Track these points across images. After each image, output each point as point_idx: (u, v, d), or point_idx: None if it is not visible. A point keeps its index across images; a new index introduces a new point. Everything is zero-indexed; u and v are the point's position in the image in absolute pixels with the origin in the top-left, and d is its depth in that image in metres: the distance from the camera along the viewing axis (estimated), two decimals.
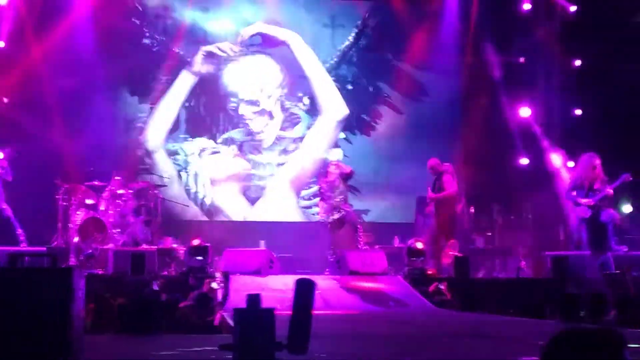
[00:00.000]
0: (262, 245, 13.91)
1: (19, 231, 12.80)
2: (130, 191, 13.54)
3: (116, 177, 13.56)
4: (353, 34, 16.95)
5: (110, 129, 15.49)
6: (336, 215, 13.38)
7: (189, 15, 16.31)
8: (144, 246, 12.65)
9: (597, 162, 12.71)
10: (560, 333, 2.92)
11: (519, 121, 16.26)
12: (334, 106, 16.71)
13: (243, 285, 11.04)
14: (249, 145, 16.43)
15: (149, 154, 15.91)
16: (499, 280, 12.82)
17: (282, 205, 16.42)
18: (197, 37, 16.33)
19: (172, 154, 16.00)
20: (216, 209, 16.16)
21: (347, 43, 16.93)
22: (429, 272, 12.48)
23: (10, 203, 12.97)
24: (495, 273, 14.29)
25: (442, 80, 16.85)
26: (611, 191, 12.57)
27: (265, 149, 16.48)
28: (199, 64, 16.23)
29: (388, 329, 9.30)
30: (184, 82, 16.15)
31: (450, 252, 13.05)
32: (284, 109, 16.64)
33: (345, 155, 16.11)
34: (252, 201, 16.37)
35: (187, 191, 15.96)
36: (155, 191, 13.98)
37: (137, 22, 16.16)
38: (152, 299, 9.14)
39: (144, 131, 15.95)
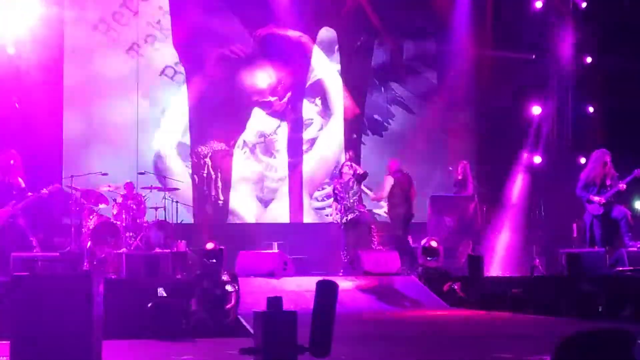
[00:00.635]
0: (276, 247, 13.88)
1: (31, 238, 12.78)
2: (143, 195, 13.56)
3: (128, 181, 13.60)
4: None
5: (123, 133, 15.49)
6: (350, 216, 13.38)
7: (199, 17, 16.27)
8: (158, 250, 12.64)
9: (608, 158, 12.65)
10: (570, 335, 2.93)
11: (531, 119, 16.20)
12: (346, 107, 16.70)
13: (257, 288, 11.07)
14: (262, 147, 16.42)
15: (161, 157, 15.89)
16: (513, 278, 12.77)
17: (295, 206, 16.40)
18: (209, 39, 16.29)
19: (185, 157, 15.98)
20: (229, 212, 16.14)
21: (358, 43, 16.91)
22: (443, 272, 12.46)
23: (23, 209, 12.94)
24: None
25: (454, 79, 16.79)
26: (624, 186, 12.51)
27: (277, 150, 16.47)
28: (212, 66, 16.21)
29: (406, 329, 9.30)
30: (197, 85, 16.12)
31: (464, 252, 13.03)
32: (296, 110, 16.61)
33: (358, 156, 16.07)
34: (266, 203, 16.36)
35: (201, 194, 15.94)
36: (168, 194, 13.97)
37: None
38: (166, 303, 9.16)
39: (156, 134, 15.92)
